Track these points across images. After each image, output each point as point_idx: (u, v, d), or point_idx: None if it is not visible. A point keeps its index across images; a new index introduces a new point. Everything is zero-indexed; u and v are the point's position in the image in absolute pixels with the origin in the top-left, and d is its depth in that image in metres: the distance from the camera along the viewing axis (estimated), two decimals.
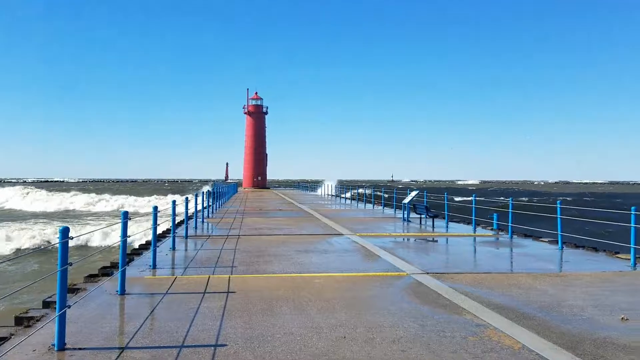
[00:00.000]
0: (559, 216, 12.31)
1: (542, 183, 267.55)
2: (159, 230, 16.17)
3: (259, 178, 71.09)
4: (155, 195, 78.97)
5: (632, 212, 9.83)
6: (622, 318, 6.17)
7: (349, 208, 28.98)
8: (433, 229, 16.84)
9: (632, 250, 9.94)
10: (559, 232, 12.30)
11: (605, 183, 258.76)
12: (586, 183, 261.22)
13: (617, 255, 11.15)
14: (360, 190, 40.48)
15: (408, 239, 14.56)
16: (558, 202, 12.85)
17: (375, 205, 30.09)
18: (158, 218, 9.94)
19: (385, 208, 28.12)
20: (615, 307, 6.69)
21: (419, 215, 19.96)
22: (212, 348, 5.10)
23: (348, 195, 42.01)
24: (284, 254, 11.32)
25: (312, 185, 65.19)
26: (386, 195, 29.26)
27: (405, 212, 20.26)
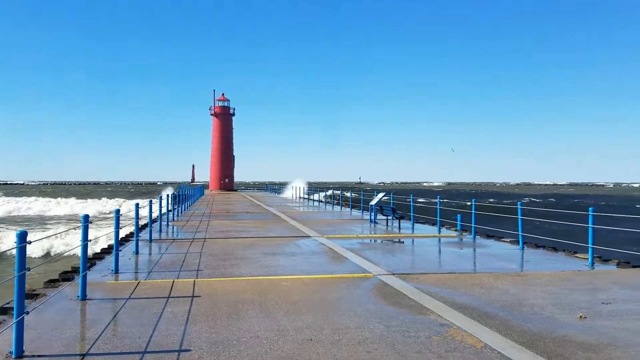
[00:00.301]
0: (519, 217, 12.62)
1: (505, 185, 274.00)
2: (122, 234, 15.84)
3: (227, 180, 70.48)
4: (117, 198, 77.31)
5: (590, 213, 10.17)
6: (581, 316, 6.36)
7: (317, 210, 29.03)
8: (399, 230, 17.03)
9: (590, 250, 10.27)
10: (520, 233, 12.61)
11: (565, 184, 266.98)
12: (547, 184, 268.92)
13: (575, 255, 11.51)
14: (329, 192, 40.46)
15: (375, 241, 14.69)
16: (519, 203, 13.19)
17: (343, 207, 30.23)
18: (121, 221, 9.73)
19: (352, 210, 28.28)
20: (574, 306, 6.89)
21: (385, 217, 20.16)
22: (176, 353, 5.02)
23: (316, 197, 41.75)
24: (250, 256, 11.24)
25: (279, 187, 64.96)
26: (354, 195, 29.44)
27: (372, 214, 20.43)
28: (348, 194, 30.53)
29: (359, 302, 7.08)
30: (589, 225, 10.16)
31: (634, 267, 10.07)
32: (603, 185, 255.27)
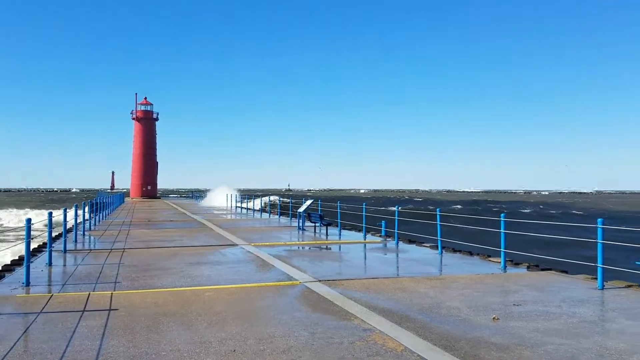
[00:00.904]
0: (438, 223, 13.18)
1: (428, 191, 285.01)
2: (34, 245, 14.87)
3: (149, 187, 68.02)
4: (28, 208, 72.52)
5: (502, 219, 10.80)
6: (494, 318, 6.71)
7: (245, 217, 28.72)
8: (327, 237, 17.21)
9: (502, 254, 10.90)
10: (439, 238, 13.16)
11: (480, 192, 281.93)
12: (464, 191, 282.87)
13: (489, 259, 12.16)
14: (257, 200, 39.66)
15: (302, 248, 14.75)
16: (438, 209, 13.78)
17: (271, 214, 30.12)
18: (32, 231, 9.15)
19: (281, 217, 28.25)
20: (487, 308, 7.27)
21: (313, 224, 20.31)
22: None
23: (244, 205, 40.47)
24: (173, 267, 10.92)
25: (205, 194, 63.34)
26: (285, 199, 29.37)
27: (300, 221, 20.51)
28: (277, 201, 30.42)
29: (284, 310, 7.08)
30: (501, 230, 10.78)
31: (542, 270, 10.77)
32: (515, 192, 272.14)
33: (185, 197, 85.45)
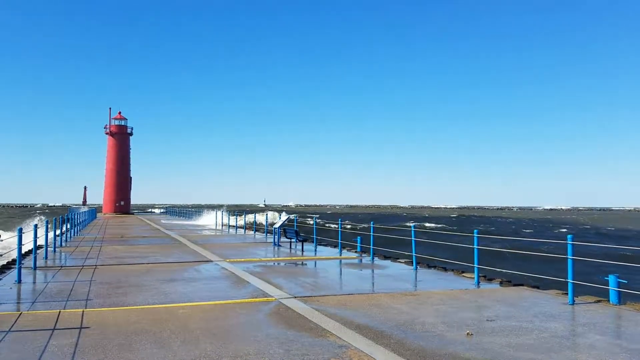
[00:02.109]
0: (413, 239, 13.30)
1: (403, 207, 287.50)
2: (2, 262, 14.49)
3: (122, 203, 66.97)
4: None
5: (475, 235, 10.97)
6: (468, 333, 6.79)
7: (220, 234, 28.48)
8: (302, 253, 17.19)
9: (475, 270, 11.05)
10: (414, 254, 13.28)
11: (456, 208, 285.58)
12: (438, 207, 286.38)
13: (463, 274, 12.31)
14: (263, 216, 37.04)
15: (278, 264, 14.69)
16: (412, 225, 13.92)
17: (246, 230, 29.92)
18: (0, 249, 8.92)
19: (256, 233, 28.10)
20: (461, 323, 7.35)
21: (289, 240, 20.27)
22: None
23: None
24: (146, 284, 10.76)
25: (180, 210, 62.51)
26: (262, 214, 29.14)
27: (276, 237, 20.45)
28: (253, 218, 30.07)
29: (259, 327, 7.03)
30: (475, 246, 10.94)
31: (514, 285, 10.94)
32: (487, 208, 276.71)
33: (159, 213, 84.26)
